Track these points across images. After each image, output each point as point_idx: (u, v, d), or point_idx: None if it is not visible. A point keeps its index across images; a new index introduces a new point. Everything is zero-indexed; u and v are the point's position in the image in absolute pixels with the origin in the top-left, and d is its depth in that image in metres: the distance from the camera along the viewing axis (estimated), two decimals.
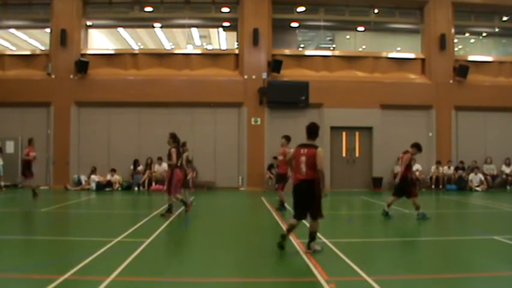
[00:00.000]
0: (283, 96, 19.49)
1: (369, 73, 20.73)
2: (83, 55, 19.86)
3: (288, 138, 12.19)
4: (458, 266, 6.81)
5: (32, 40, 23.35)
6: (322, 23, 21.20)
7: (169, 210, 11.14)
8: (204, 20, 21.72)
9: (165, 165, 19.37)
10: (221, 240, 8.75)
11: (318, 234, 7.48)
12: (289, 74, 19.98)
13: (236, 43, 21.18)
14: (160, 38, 24.37)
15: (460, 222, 10.92)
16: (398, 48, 22.48)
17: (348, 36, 23.70)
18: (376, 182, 19.52)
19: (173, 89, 19.68)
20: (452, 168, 19.84)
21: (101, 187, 18.49)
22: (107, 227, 10.38)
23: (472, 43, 24.09)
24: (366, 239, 8.94)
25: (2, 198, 15.98)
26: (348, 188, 19.42)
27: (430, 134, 20.24)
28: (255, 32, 19.73)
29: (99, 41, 22.97)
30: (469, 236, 9.34)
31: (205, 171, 19.65)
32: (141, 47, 25.34)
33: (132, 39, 24.91)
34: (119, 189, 18.80)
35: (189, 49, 22.16)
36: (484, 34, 22.96)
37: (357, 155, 20.52)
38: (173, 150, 11.16)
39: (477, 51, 22.94)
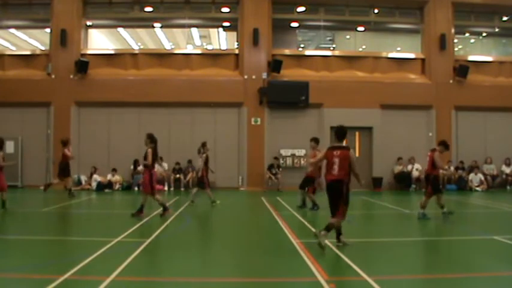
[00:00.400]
0: (283, 96, 19.47)
1: (369, 73, 20.73)
2: (83, 55, 19.86)
3: (316, 141, 12.13)
4: (458, 266, 6.80)
5: (32, 40, 23.36)
6: (322, 23, 21.19)
7: (140, 210, 10.94)
8: (204, 20, 21.72)
9: (165, 165, 19.40)
10: (221, 240, 8.76)
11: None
12: (289, 74, 19.98)
13: (236, 43, 21.18)
14: (160, 38, 24.37)
15: (460, 222, 10.89)
16: (398, 48, 22.48)
17: (348, 36, 23.70)
18: (376, 182, 19.51)
19: (173, 89, 19.68)
20: (452, 168, 19.84)
21: (102, 187, 18.50)
22: (107, 227, 10.38)
23: (472, 43, 24.09)
24: (366, 239, 8.93)
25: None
26: None
27: (430, 134, 20.19)
28: (255, 32, 19.73)
29: (99, 41, 22.97)
30: (469, 236, 9.35)
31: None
32: (141, 47, 25.36)
33: (132, 39, 24.92)
34: (119, 189, 18.80)
35: (189, 49, 22.16)
36: (484, 34, 22.96)
37: (357, 155, 20.47)
38: (149, 150, 11.00)
39: (477, 51, 22.93)
